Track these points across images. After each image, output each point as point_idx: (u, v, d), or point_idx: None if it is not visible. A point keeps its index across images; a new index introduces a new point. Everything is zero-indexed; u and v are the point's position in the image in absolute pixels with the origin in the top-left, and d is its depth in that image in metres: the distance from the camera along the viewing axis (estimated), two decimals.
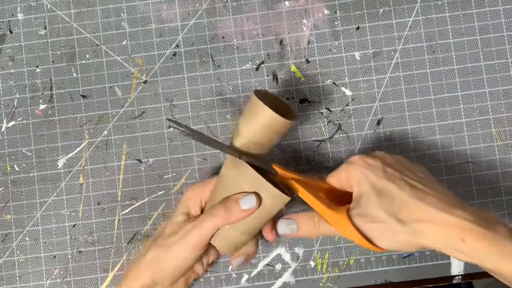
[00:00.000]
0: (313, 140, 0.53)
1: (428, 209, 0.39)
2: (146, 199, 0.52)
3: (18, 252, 0.52)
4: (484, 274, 0.52)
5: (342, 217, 0.41)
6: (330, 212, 0.42)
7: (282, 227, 0.44)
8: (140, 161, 0.53)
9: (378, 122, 0.53)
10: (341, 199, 0.44)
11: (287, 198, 0.43)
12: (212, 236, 0.44)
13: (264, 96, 0.44)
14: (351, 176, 0.43)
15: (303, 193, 0.43)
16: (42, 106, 0.53)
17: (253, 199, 0.43)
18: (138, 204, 0.52)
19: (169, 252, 0.44)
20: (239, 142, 0.44)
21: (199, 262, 0.46)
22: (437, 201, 0.40)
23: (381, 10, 0.54)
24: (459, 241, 0.39)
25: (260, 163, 0.44)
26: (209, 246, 0.45)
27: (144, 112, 0.53)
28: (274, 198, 0.43)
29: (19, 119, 0.53)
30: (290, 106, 0.46)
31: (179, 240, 0.44)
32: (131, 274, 0.45)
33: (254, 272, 0.52)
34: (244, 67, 0.53)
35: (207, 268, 0.48)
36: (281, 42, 0.54)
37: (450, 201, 0.40)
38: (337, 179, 0.44)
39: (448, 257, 0.51)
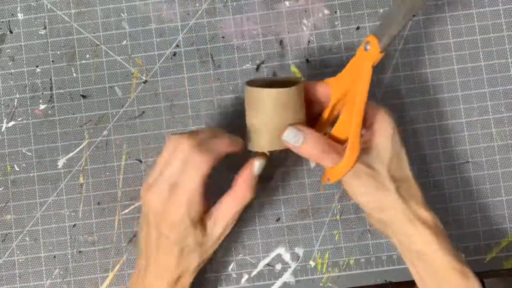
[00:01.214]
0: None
1: (418, 194, 0.45)
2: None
3: (18, 252, 0.52)
4: (483, 274, 0.52)
5: (357, 146, 0.42)
6: (359, 131, 0.42)
7: (289, 135, 0.43)
8: (140, 161, 0.53)
9: None
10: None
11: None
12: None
13: (258, 83, 0.44)
14: (380, 119, 0.44)
15: (365, 90, 0.43)
16: (42, 106, 0.53)
17: (261, 162, 0.44)
18: (138, 204, 0.52)
19: (183, 195, 0.43)
20: (261, 140, 0.44)
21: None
22: (424, 196, 0.46)
23: (381, 10, 0.54)
24: (415, 218, 0.44)
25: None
26: None
27: (144, 112, 0.53)
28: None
29: (19, 119, 0.53)
30: (289, 77, 0.46)
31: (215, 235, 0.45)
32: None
33: (254, 272, 0.52)
34: (244, 67, 0.53)
35: None
36: (281, 42, 0.54)
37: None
38: (367, 105, 0.44)
39: None
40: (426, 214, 0.45)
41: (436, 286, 0.44)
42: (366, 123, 0.44)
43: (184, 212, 0.43)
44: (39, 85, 0.54)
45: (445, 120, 0.53)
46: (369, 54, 0.42)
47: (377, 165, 0.44)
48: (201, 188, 0.43)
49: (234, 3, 0.54)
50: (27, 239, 0.52)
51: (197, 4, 0.54)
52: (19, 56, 0.54)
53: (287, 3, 0.54)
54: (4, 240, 0.52)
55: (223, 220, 0.44)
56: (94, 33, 0.54)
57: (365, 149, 0.44)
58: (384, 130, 0.44)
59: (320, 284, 0.52)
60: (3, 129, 0.53)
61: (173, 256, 0.44)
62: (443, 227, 0.45)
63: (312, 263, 0.52)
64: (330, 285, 0.52)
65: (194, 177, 0.42)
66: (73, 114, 0.53)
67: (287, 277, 0.52)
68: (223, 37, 0.54)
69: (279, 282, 0.52)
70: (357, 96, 0.42)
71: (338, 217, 0.52)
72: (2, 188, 0.53)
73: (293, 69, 0.53)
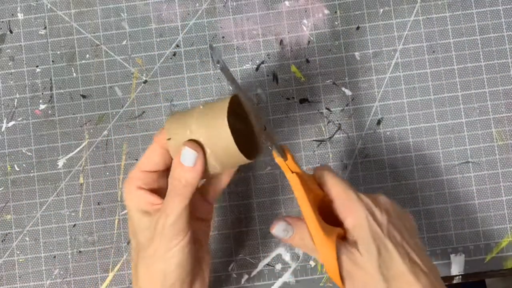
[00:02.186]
0: (313, 140, 0.53)
1: None
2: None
3: (18, 252, 0.52)
4: (483, 274, 0.52)
5: (329, 246, 0.39)
6: (320, 233, 0.39)
7: (278, 230, 0.42)
8: None
9: (378, 122, 0.53)
10: (327, 209, 0.42)
11: (244, 161, 0.40)
12: (189, 212, 0.40)
13: (236, 105, 0.41)
14: (352, 212, 0.40)
15: (300, 195, 0.41)
16: (42, 106, 0.53)
17: (189, 153, 0.39)
18: None
19: (158, 261, 0.40)
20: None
21: (200, 248, 0.43)
22: (429, 284, 0.39)
23: (381, 10, 0.54)
24: None
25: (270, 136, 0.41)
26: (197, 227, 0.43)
27: (144, 112, 0.53)
28: (233, 155, 0.39)
29: (19, 119, 0.53)
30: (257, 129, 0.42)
31: (160, 241, 0.40)
32: None
33: (254, 272, 0.52)
34: (244, 67, 0.53)
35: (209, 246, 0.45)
36: (281, 42, 0.54)
37: (438, 284, 0.40)
38: (335, 196, 0.41)
39: (448, 257, 0.51)
40: None
41: None
42: (342, 217, 0.41)
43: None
44: (39, 85, 0.54)
45: (445, 120, 0.53)
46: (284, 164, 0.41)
47: (368, 263, 0.39)
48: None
49: (234, 3, 0.54)
50: (27, 239, 0.52)
51: (197, 4, 0.54)
52: (19, 56, 0.54)
53: (287, 3, 0.54)
54: (4, 240, 0.52)
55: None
56: (94, 33, 0.54)
57: (353, 248, 0.40)
58: (359, 223, 0.40)
59: (320, 284, 0.52)
60: (3, 129, 0.53)
61: None
62: None
63: (312, 263, 0.52)
64: (330, 285, 0.52)
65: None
66: (73, 114, 0.53)
67: (287, 277, 0.52)
68: (223, 37, 0.54)
69: (279, 282, 0.52)
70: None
71: None
72: (2, 188, 0.53)
73: (293, 69, 0.53)
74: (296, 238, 0.42)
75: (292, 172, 0.41)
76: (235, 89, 0.39)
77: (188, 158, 0.39)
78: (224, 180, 0.44)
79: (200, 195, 0.44)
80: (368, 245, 0.39)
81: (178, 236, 0.40)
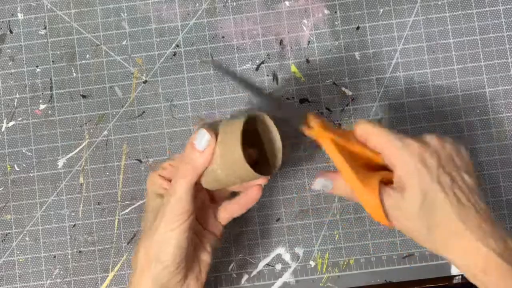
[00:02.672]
0: (314, 140, 0.53)
1: (466, 233, 0.38)
2: (146, 199, 0.52)
3: (18, 252, 0.52)
4: None
5: (371, 195, 0.40)
6: (359, 185, 0.40)
7: (317, 186, 0.43)
8: (140, 161, 0.53)
9: (378, 122, 0.53)
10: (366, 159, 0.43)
11: (255, 177, 0.42)
12: (191, 196, 0.41)
13: (254, 121, 0.43)
14: (399, 162, 0.40)
15: (332, 154, 0.41)
16: (42, 106, 0.53)
17: (204, 135, 0.41)
18: (138, 204, 0.52)
19: (158, 240, 0.41)
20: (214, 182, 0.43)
21: (201, 248, 0.45)
22: (476, 227, 0.38)
23: (381, 10, 0.54)
24: (481, 271, 0.38)
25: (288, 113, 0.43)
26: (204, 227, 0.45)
27: (144, 112, 0.53)
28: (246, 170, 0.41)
29: (19, 119, 0.53)
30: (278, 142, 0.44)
31: (161, 219, 0.41)
32: (133, 284, 0.43)
33: (254, 272, 0.52)
34: (244, 67, 0.53)
35: (213, 253, 0.45)
36: (281, 42, 0.54)
37: (487, 225, 0.39)
38: (380, 149, 0.41)
39: None
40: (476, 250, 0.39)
41: None
42: (392, 168, 0.41)
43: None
44: (39, 85, 0.54)
45: (445, 120, 0.53)
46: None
47: (410, 209, 0.39)
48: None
49: (234, 3, 0.54)
50: (27, 239, 0.52)
51: (197, 4, 0.54)
52: (19, 56, 0.54)
53: (287, 3, 0.54)
54: (4, 240, 0.52)
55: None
56: (94, 33, 0.54)
57: (396, 192, 0.40)
58: (406, 172, 0.40)
59: (320, 284, 0.52)
60: (3, 129, 0.53)
61: None
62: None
63: (312, 263, 0.52)
64: (330, 285, 0.52)
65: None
66: (73, 114, 0.53)
67: (287, 277, 0.52)
68: (223, 37, 0.54)
69: (279, 282, 0.52)
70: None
71: (338, 217, 0.52)
72: (2, 188, 0.53)
73: (293, 69, 0.53)
74: (335, 189, 0.43)
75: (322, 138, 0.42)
76: (257, 97, 0.42)
77: (201, 140, 0.41)
78: (238, 208, 0.46)
79: (213, 216, 0.46)
80: (414, 192, 0.39)
81: (179, 218, 0.41)
